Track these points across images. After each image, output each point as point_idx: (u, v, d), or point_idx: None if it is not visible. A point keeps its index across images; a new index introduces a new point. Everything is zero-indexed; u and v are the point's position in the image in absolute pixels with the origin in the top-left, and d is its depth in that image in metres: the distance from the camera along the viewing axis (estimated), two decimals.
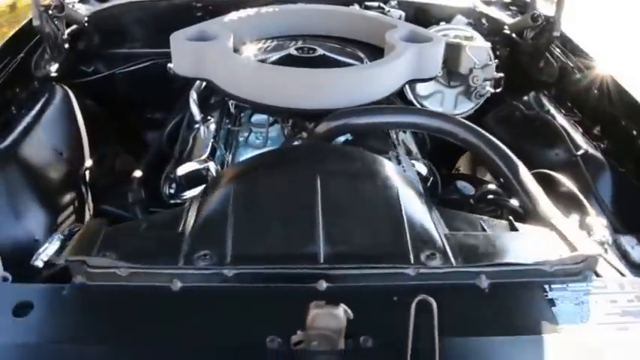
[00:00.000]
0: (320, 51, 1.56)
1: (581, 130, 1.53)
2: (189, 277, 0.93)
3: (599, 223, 1.21)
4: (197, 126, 1.62)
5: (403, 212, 1.03)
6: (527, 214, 1.20)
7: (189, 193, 1.43)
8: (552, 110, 1.62)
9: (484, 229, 1.08)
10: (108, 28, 1.94)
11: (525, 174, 1.24)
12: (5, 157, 1.36)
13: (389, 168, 1.13)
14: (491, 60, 1.65)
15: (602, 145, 1.45)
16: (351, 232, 1.00)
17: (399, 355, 0.82)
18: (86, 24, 1.87)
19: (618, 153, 1.41)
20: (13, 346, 0.83)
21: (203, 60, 1.47)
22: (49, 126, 1.53)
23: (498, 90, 1.71)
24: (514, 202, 1.27)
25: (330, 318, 0.82)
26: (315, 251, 0.96)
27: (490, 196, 1.37)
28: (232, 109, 1.67)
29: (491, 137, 1.29)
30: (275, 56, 1.57)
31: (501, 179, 1.26)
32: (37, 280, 1.00)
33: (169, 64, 1.59)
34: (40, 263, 1.01)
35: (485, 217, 1.13)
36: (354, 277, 0.94)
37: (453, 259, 0.97)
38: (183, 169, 1.44)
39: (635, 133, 1.35)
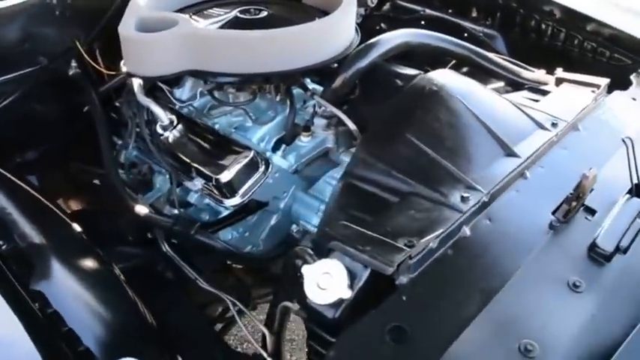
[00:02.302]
0: (266, 11, 1.52)
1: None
2: (467, 220, 1.01)
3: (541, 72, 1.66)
4: (168, 133, 1.42)
5: (514, 103, 1.29)
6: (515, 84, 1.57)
7: (244, 190, 1.31)
8: (427, 10, 1.97)
9: (536, 100, 1.42)
10: None
11: (495, 58, 1.59)
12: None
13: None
14: None
15: (487, 23, 1.89)
16: (509, 128, 1.20)
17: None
18: None
19: (503, 25, 1.87)
20: None
21: (182, 50, 1.30)
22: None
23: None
24: None
25: (594, 179, 1.05)
26: (510, 152, 1.15)
27: None
28: (179, 100, 1.49)
29: (459, 41, 1.57)
30: (219, 22, 1.48)
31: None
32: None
33: (122, 67, 1.35)
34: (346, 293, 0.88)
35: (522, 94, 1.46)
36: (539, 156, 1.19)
37: (564, 120, 1.28)
38: (228, 174, 1.30)
39: (514, 5, 1.82)
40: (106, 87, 1.57)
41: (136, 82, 1.44)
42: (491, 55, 1.59)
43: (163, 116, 1.41)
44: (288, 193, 1.43)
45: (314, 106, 1.50)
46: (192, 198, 1.41)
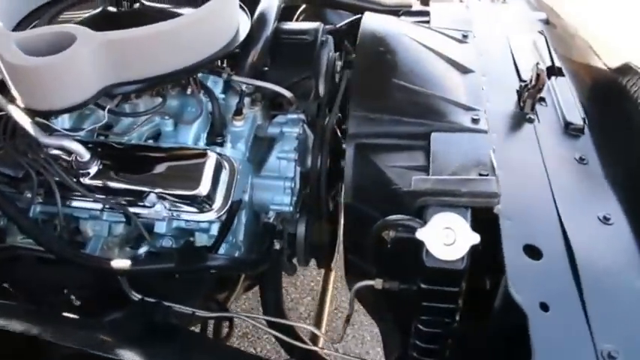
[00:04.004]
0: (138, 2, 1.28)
1: None
2: None
3: None
4: (95, 167, 1.17)
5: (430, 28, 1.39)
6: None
7: (224, 195, 1.17)
8: None
9: (427, 21, 1.52)
10: None
11: None
12: None
13: None
14: None
15: None
16: (447, 49, 1.29)
17: None
18: None
19: None
20: None
21: (95, 66, 1.05)
22: None
23: None
24: None
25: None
26: (465, 69, 1.26)
27: None
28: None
29: None
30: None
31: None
32: None
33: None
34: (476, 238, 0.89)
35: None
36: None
37: (467, 31, 1.42)
38: (206, 185, 1.14)
39: None
40: None
41: (27, 122, 1.13)
42: None
43: (84, 151, 1.15)
44: (248, 184, 1.32)
45: (226, 86, 1.37)
46: (160, 227, 1.20)
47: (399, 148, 1.09)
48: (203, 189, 1.15)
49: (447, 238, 0.88)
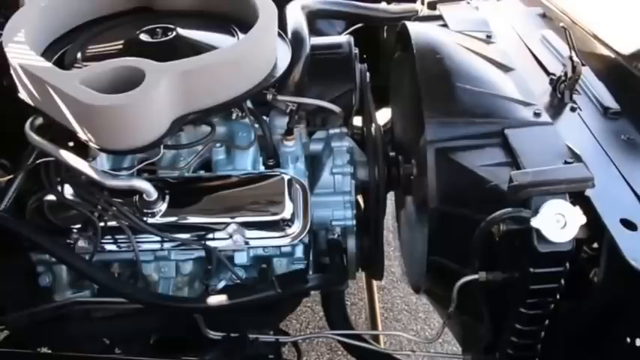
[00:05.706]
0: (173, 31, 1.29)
1: None
2: None
3: None
4: (162, 205, 1.19)
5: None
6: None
7: (304, 215, 1.23)
8: None
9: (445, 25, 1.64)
10: None
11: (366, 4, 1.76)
12: None
13: None
14: None
15: None
16: (483, 50, 1.41)
17: None
18: None
19: None
20: None
21: (168, 98, 1.08)
22: None
23: None
24: None
25: None
26: (506, 68, 1.37)
27: None
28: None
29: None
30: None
31: None
32: None
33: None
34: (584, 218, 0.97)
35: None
36: None
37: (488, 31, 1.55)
38: (288, 207, 1.20)
39: None
40: (12, 193, 1.18)
41: (86, 166, 1.13)
42: (359, 3, 1.74)
43: (153, 190, 1.17)
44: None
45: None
46: (241, 258, 1.23)
47: (477, 148, 1.18)
48: (287, 212, 1.20)
49: (558, 222, 0.98)
